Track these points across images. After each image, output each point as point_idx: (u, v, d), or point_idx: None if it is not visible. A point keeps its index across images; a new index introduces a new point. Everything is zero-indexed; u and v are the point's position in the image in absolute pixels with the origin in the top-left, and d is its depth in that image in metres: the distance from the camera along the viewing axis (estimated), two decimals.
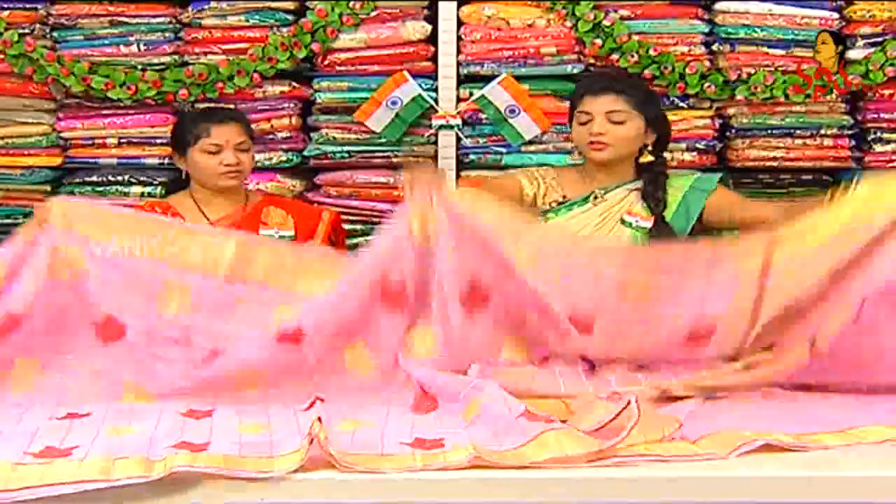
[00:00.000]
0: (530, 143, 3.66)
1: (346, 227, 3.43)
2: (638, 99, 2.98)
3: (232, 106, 3.52)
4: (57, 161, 3.71)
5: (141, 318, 2.47)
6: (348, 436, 2.09)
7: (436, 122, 3.62)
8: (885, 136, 3.65)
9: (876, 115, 3.65)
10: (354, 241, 3.47)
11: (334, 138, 3.68)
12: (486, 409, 2.18)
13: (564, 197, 3.05)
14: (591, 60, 3.61)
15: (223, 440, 2.06)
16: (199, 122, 3.13)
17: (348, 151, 3.69)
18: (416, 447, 2.05)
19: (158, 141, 3.69)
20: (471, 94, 3.61)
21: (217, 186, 3.11)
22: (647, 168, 3.04)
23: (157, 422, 2.19)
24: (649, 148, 3.03)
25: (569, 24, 3.57)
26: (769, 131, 3.66)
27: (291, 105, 3.68)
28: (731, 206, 3.01)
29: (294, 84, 3.67)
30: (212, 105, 3.54)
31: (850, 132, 3.66)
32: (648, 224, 2.97)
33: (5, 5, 3.59)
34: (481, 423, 2.14)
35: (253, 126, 3.29)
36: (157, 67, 3.63)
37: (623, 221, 2.99)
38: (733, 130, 3.67)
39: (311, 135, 3.71)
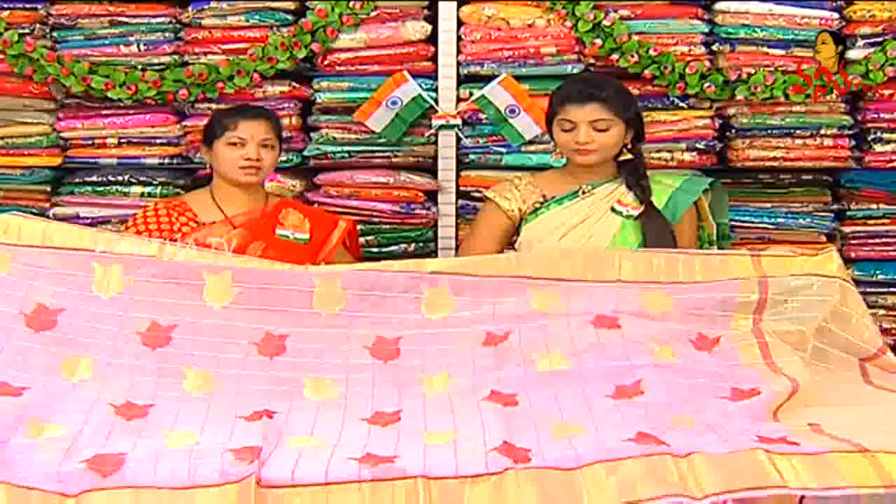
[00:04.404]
0: (530, 143, 3.66)
1: None
2: (619, 105, 3.02)
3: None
4: (57, 161, 3.71)
5: (73, 303, 2.53)
6: (293, 457, 2.10)
7: (436, 122, 3.62)
8: (885, 136, 3.65)
9: (876, 115, 3.64)
10: None
11: (334, 138, 3.68)
12: (458, 441, 2.20)
13: (544, 196, 3.11)
14: (591, 60, 3.61)
15: (143, 454, 2.10)
16: (229, 115, 3.17)
17: (348, 151, 3.69)
18: (364, 462, 2.06)
19: (158, 141, 3.70)
20: (471, 94, 3.61)
21: (236, 180, 3.14)
22: (627, 163, 3.11)
23: (87, 418, 2.23)
24: (628, 146, 3.09)
25: (569, 24, 3.56)
26: (769, 131, 3.65)
27: (291, 105, 3.68)
28: (682, 233, 3.09)
29: (294, 84, 3.67)
30: (244, 103, 3.49)
31: (850, 132, 3.66)
32: (638, 212, 3.04)
33: (5, 5, 3.60)
34: (446, 452, 2.15)
35: None
36: (157, 67, 3.62)
37: (613, 210, 3.05)
38: (733, 130, 3.67)
39: (311, 135, 3.70)
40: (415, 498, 1.98)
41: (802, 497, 2.03)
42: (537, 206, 3.11)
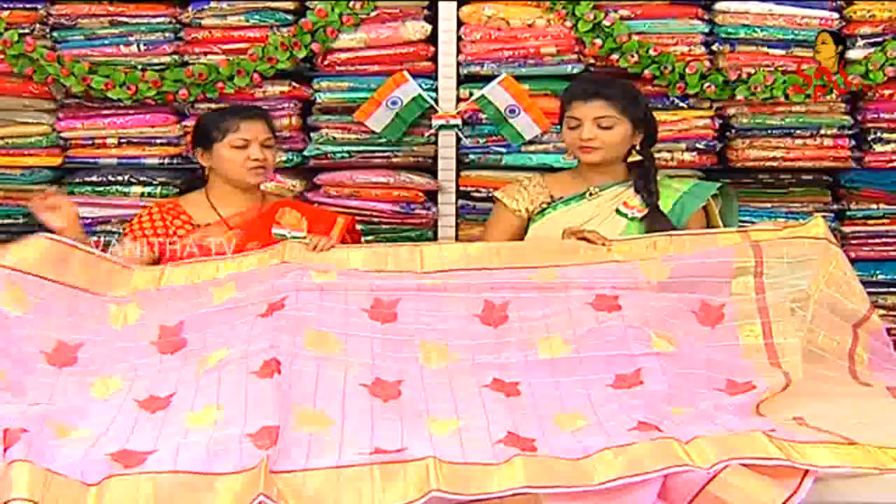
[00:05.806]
0: (530, 143, 3.66)
1: None
2: (625, 104, 3.04)
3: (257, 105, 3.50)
4: (57, 161, 3.71)
5: (91, 335, 2.56)
6: (304, 443, 2.12)
7: (436, 122, 3.62)
8: (885, 136, 3.65)
9: (876, 115, 3.65)
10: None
11: (334, 138, 3.68)
12: (463, 430, 2.23)
13: (552, 197, 3.14)
14: (591, 60, 3.61)
15: (166, 446, 2.12)
16: (227, 117, 3.16)
17: (348, 151, 3.69)
18: (374, 455, 2.09)
19: (158, 141, 3.70)
20: (471, 94, 3.61)
21: (242, 182, 3.14)
22: (637, 165, 3.12)
23: (113, 418, 2.28)
24: (637, 148, 3.10)
25: (569, 24, 3.56)
26: (769, 131, 3.66)
27: (291, 105, 3.68)
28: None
29: (294, 84, 3.67)
30: (237, 103, 3.51)
31: (850, 132, 3.66)
32: (642, 214, 3.06)
33: (5, 5, 3.60)
34: (452, 443, 2.17)
35: None
36: (157, 67, 3.62)
37: (618, 212, 3.07)
38: (733, 130, 3.67)
39: (311, 135, 3.71)
40: (425, 475, 2.00)
41: (799, 486, 2.06)
42: (545, 206, 3.13)
